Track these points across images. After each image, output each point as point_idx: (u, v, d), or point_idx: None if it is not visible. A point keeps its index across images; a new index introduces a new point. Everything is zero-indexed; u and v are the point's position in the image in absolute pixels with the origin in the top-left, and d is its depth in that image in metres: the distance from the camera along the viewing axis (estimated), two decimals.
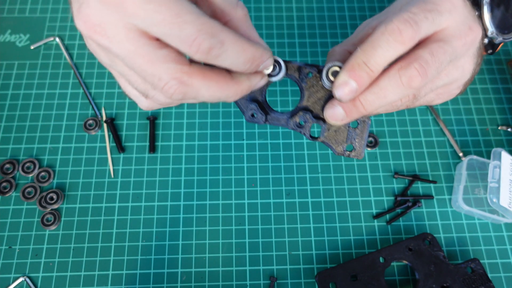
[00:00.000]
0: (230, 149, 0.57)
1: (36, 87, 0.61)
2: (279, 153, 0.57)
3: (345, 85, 0.33)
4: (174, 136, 0.58)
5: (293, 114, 0.38)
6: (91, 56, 0.63)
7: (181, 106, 0.60)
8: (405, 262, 0.50)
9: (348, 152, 0.38)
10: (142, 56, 0.29)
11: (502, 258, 0.52)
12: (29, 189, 0.54)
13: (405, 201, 0.54)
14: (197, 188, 0.55)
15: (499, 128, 0.59)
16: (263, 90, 0.38)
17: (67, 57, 0.63)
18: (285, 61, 0.36)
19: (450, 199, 0.55)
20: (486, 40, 0.41)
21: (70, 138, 0.57)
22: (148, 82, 0.30)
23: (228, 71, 0.32)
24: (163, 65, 0.29)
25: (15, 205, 0.54)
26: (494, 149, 0.53)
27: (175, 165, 0.56)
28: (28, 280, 0.50)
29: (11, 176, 0.55)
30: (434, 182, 0.56)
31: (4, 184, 0.54)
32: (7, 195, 0.54)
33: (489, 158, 0.56)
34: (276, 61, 0.36)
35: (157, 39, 0.30)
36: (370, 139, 0.58)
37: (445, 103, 0.61)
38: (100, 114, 0.59)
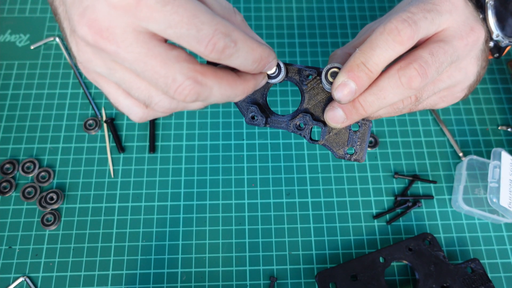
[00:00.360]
0: (230, 149, 0.57)
1: (36, 87, 0.61)
2: (279, 153, 0.57)
3: (344, 86, 0.33)
4: (174, 136, 0.58)
5: (293, 117, 0.37)
6: None
7: None
8: (405, 262, 0.50)
9: (349, 155, 0.37)
10: (154, 57, 0.29)
11: (502, 258, 0.52)
12: (29, 189, 0.54)
13: (405, 201, 0.54)
14: (197, 188, 0.55)
15: (499, 128, 0.59)
16: (264, 92, 0.38)
17: (67, 57, 0.63)
18: (285, 64, 0.36)
19: (450, 199, 0.55)
20: (491, 44, 0.40)
21: (70, 138, 0.57)
22: (159, 85, 0.30)
23: (233, 71, 0.32)
24: (176, 65, 0.29)
25: (15, 205, 0.54)
26: (494, 149, 0.53)
27: (175, 165, 0.56)
28: (28, 280, 0.50)
29: (11, 176, 0.55)
30: (434, 182, 0.56)
31: (4, 184, 0.54)
32: (7, 195, 0.54)
33: (489, 158, 0.56)
34: (276, 64, 0.36)
35: (165, 41, 0.30)
36: (370, 139, 0.58)
37: None
38: (100, 114, 0.59)
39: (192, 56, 0.30)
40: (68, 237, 0.52)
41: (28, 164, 0.55)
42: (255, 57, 0.31)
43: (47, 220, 0.53)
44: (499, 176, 0.52)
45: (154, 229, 0.53)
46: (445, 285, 0.48)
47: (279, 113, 0.59)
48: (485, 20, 0.39)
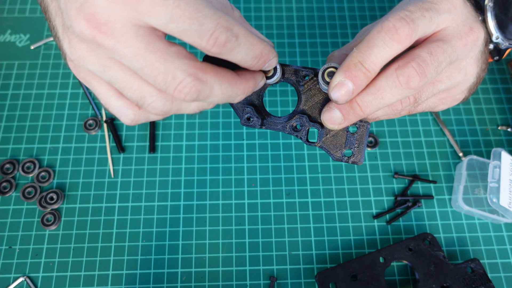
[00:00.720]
0: (230, 149, 0.57)
1: (36, 87, 0.61)
2: (279, 153, 0.57)
3: (341, 86, 0.33)
4: (174, 136, 0.58)
5: (290, 118, 0.37)
6: None
7: None
8: (405, 262, 0.50)
9: (346, 157, 0.37)
10: (154, 53, 0.28)
11: (502, 258, 0.52)
12: (29, 189, 0.54)
13: (405, 201, 0.54)
14: (197, 188, 0.55)
15: (499, 128, 0.59)
16: (260, 93, 0.37)
17: None
18: (281, 64, 0.36)
19: (450, 199, 0.55)
20: (491, 46, 0.40)
21: (70, 138, 0.57)
22: (158, 82, 0.29)
23: (233, 69, 0.32)
24: (177, 61, 0.28)
25: (15, 205, 0.54)
26: (494, 149, 0.53)
27: (175, 165, 0.56)
28: (28, 280, 0.50)
29: (11, 176, 0.55)
30: (434, 182, 0.56)
31: (4, 184, 0.54)
32: (7, 195, 0.54)
33: (489, 158, 0.56)
34: (277, 62, 0.35)
35: (165, 37, 0.29)
36: (370, 139, 0.58)
37: None
38: (100, 114, 0.59)
39: (192, 53, 0.30)
40: (68, 237, 0.52)
41: (28, 164, 0.55)
42: (255, 52, 0.30)
43: (47, 220, 0.53)
44: (499, 176, 0.52)
45: (154, 229, 0.53)
46: (445, 285, 0.48)
47: (279, 114, 0.59)
48: (484, 22, 0.38)
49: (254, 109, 0.37)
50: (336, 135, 0.37)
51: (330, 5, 0.68)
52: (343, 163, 0.57)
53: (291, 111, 0.38)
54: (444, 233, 0.53)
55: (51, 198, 0.53)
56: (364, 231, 0.53)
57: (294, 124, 0.37)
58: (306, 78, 0.36)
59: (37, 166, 0.55)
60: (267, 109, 0.59)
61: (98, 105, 0.60)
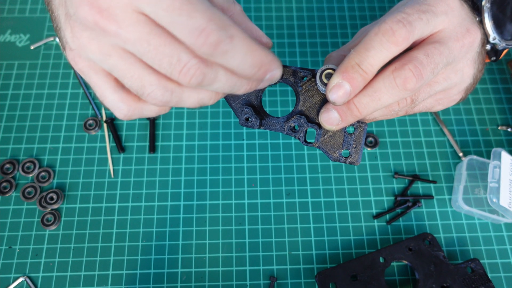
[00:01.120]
0: (230, 149, 0.57)
1: (36, 87, 0.61)
2: (279, 153, 0.57)
3: (339, 88, 0.33)
4: (174, 136, 0.58)
5: (288, 119, 0.37)
6: None
7: None
8: (405, 262, 0.50)
9: (344, 158, 0.37)
10: (158, 37, 0.27)
11: (502, 258, 0.52)
12: (29, 189, 0.54)
13: (405, 201, 0.54)
14: (197, 188, 0.55)
15: (499, 128, 0.59)
16: (259, 94, 0.37)
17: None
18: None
19: (450, 199, 0.55)
20: (488, 47, 0.40)
21: (70, 138, 0.57)
22: (163, 66, 0.28)
23: None
24: (181, 44, 0.27)
25: (15, 205, 0.54)
26: (494, 149, 0.53)
27: (175, 165, 0.56)
28: (28, 280, 0.50)
29: (11, 176, 0.55)
30: (434, 182, 0.56)
31: (4, 184, 0.54)
32: (7, 195, 0.54)
33: (489, 158, 0.56)
34: (281, 75, 0.35)
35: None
36: (370, 139, 0.58)
37: None
38: (100, 114, 0.59)
39: None
40: (68, 237, 0.52)
41: (28, 164, 0.55)
42: (254, 60, 0.28)
43: (47, 220, 0.53)
44: (499, 176, 0.52)
45: (154, 229, 0.53)
46: (445, 285, 0.48)
47: (279, 114, 0.59)
48: (481, 23, 0.38)
49: (252, 109, 0.37)
50: (334, 136, 0.37)
51: (330, 5, 0.68)
52: (343, 164, 0.57)
53: (290, 112, 0.38)
54: (444, 233, 0.53)
55: (51, 198, 0.53)
56: (364, 231, 0.53)
57: (292, 125, 0.37)
58: (304, 79, 0.36)
59: (37, 166, 0.55)
60: (267, 109, 0.59)
61: (98, 105, 0.60)
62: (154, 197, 0.54)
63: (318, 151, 0.58)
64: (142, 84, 0.30)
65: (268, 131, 0.59)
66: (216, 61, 0.28)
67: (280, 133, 0.58)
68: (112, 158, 0.57)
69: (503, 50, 0.40)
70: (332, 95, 0.33)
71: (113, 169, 0.56)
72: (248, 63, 0.28)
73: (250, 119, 0.37)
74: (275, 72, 0.30)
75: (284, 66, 0.36)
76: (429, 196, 0.55)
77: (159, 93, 0.30)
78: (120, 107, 0.33)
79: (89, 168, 0.56)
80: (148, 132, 0.58)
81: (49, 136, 0.58)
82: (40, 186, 0.54)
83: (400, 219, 0.54)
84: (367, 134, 0.58)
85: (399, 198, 0.54)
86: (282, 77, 0.36)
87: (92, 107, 0.59)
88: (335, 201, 0.55)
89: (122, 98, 0.32)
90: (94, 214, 0.53)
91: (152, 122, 0.58)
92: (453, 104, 0.41)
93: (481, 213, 0.52)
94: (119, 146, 0.57)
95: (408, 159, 0.57)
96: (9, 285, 0.50)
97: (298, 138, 0.37)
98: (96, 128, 0.58)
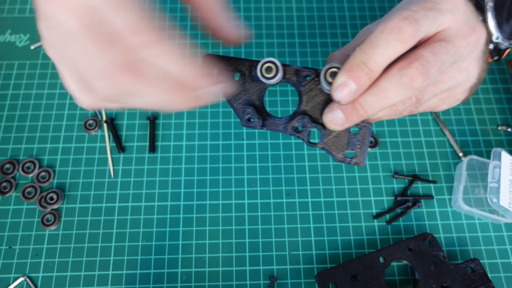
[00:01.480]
0: (230, 149, 0.57)
1: (36, 87, 0.61)
2: (279, 153, 0.57)
3: (344, 87, 0.32)
4: (174, 136, 0.58)
5: (291, 119, 0.36)
6: None
7: None
8: (405, 262, 0.50)
9: (348, 159, 0.36)
10: (95, 36, 0.28)
11: (502, 258, 0.52)
12: (29, 189, 0.54)
13: (405, 201, 0.54)
14: (197, 188, 0.55)
15: (499, 128, 0.59)
16: (261, 94, 0.37)
17: None
18: (283, 65, 0.35)
19: (450, 199, 0.55)
20: (491, 46, 0.40)
21: (70, 138, 0.57)
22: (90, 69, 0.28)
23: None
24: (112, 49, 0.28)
25: (15, 205, 0.54)
26: (494, 149, 0.53)
27: (175, 165, 0.56)
28: (28, 280, 0.50)
29: (11, 176, 0.55)
30: (434, 182, 0.56)
31: (4, 184, 0.54)
32: (7, 195, 0.54)
33: (489, 158, 0.56)
34: (273, 63, 0.35)
35: None
36: (370, 139, 0.58)
37: None
38: (100, 114, 0.59)
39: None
40: (68, 237, 0.52)
41: (28, 164, 0.55)
42: (186, 67, 0.28)
43: (47, 220, 0.53)
44: (499, 176, 0.52)
45: (154, 229, 0.53)
46: (445, 285, 0.48)
47: (279, 114, 0.59)
48: (484, 22, 0.38)
49: (254, 109, 0.36)
50: (338, 136, 0.36)
51: (330, 5, 0.68)
52: (343, 164, 0.57)
53: (291, 111, 0.37)
54: (444, 233, 0.53)
55: (51, 198, 0.53)
56: (364, 231, 0.53)
57: (296, 125, 0.36)
58: (308, 78, 0.36)
59: (37, 166, 0.55)
60: (267, 109, 0.59)
61: None
62: (154, 197, 0.54)
63: (318, 151, 0.58)
64: (90, 76, 0.30)
65: (269, 131, 0.59)
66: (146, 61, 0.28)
67: (280, 134, 0.58)
68: (112, 158, 0.57)
69: (505, 49, 0.40)
70: (337, 94, 0.33)
71: (113, 169, 0.56)
72: (179, 68, 0.29)
73: (252, 120, 0.36)
74: (207, 92, 0.30)
75: (287, 65, 0.36)
76: (429, 196, 0.55)
77: (106, 87, 0.30)
78: (81, 96, 0.32)
79: (89, 168, 0.56)
80: (148, 132, 0.58)
81: (49, 136, 0.58)
82: (40, 186, 0.54)
83: (400, 219, 0.54)
84: None
85: (399, 198, 0.54)
86: (285, 77, 0.36)
87: None
88: (335, 201, 0.55)
89: (82, 87, 0.32)
90: (94, 214, 0.53)
91: (152, 122, 0.58)
92: (457, 103, 0.41)
93: (481, 213, 0.52)
94: (119, 146, 0.57)
95: (408, 159, 0.57)
96: (9, 285, 0.50)
97: (302, 139, 0.36)
98: (96, 128, 0.58)
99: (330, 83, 0.34)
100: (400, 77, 0.33)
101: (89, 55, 0.28)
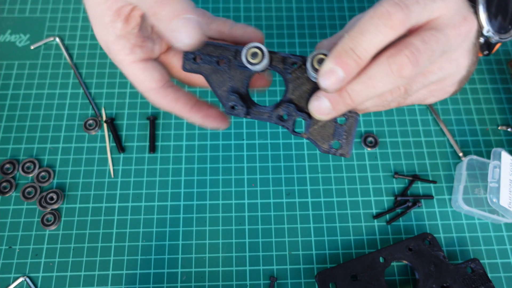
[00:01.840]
0: (230, 149, 0.57)
1: (36, 87, 0.61)
2: (279, 153, 0.57)
3: (331, 74, 0.31)
4: (174, 136, 0.58)
5: (276, 107, 0.35)
6: (91, 56, 0.63)
7: None
8: (405, 262, 0.50)
9: (334, 149, 0.35)
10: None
11: (502, 258, 0.52)
12: (29, 189, 0.54)
13: (405, 201, 0.54)
14: (197, 188, 0.55)
15: (499, 128, 0.59)
16: (246, 82, 0.35)
17: (67, 57, 0.63)
18: (269, 51, 0.34)
19: (450, 199, 0.55)
20: (482, 40, 0.39)
21: (70, 138, 0.57)
22: None
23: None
24: None
25: (15, 205, 0.54)
26: (494, 149, 0.53)
27: (175, 165, 0.56)
28: (28, 280, 0.50)
29: (11, 176, 0.55)
30: (434, 182, 0.56)
31: (4, 184, 0.54)
32: (7, 195, 0.54)
33: (489, 158, 0.56)
34: (259, 49, 0.33)
35: None
36: (370, 139, 0.58)
37: (445, 103, 0.61)
38: (100, 114, 0.59)
39: None
40: (68, 237, 0.52)
41: (28, 164, 0.55)
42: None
43: (47, 220, 0.53)
44: (499, 176, 0.52)
45: (154, 229, 0.53)
46: (445, 285, 0.48)
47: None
48: (476, 14, 0.38)
49: (239, 97, 0.35)
50: (324, 126, 0.35)
51: (330, 5, 0.68)
52: (343, 163, 0.57)
53: (279, 100, 0.36)
54: (444, 233, 0.53)
55: (51, 198, 0.53)
56: (364, 231, 0.53)
57: (281, 114, 0.35)
58: (294, 66, 0.34)
59: (37, 166, 0.55)
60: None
61: (98, 105, 0.60)
62: (154, 197, 0.54)
63: (318, 151, 0.58)
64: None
65: (269, 130, 0.59)
66: None
67: (281, 133, 0.58)
68: (112, 158, 0.57)
69: (496, 44, 0.40)
70: (324, 81, 0.31)
71: (113, 169, 0.56)
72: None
73: (236, 107, 0.35)
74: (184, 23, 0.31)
75: (274, 52, 0.34)
76: (429, 196, 0.55)
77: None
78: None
79: (89, 168, 0.56)
80: (148, 132, 0.58)
81: (49, 136, 0.58)
82: (40, 186, 0.54)
83: (400, 219, 0.54)
84: (367, 134, 0.58)
85: (399, 198, 0.54)
86: (271, 64, 0.35)
87: (92, 107, 0.59)
88: (335, 201, 0.55)
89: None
90: (94, 214, 0.53)
91: (152, 122, 0.58)
92: (447, 96, 0.40)
93: (481, 213, 0.52)
94: (119, 146, 0.57)
95: (408, 159, 0.57)
96: (9, 285, 0.50)
97: (287, 128, 0.35)
98: (96, 128, 0.58)
99: (317, 70, 0.32)
100: (389, 65, 0.31)
101: None
